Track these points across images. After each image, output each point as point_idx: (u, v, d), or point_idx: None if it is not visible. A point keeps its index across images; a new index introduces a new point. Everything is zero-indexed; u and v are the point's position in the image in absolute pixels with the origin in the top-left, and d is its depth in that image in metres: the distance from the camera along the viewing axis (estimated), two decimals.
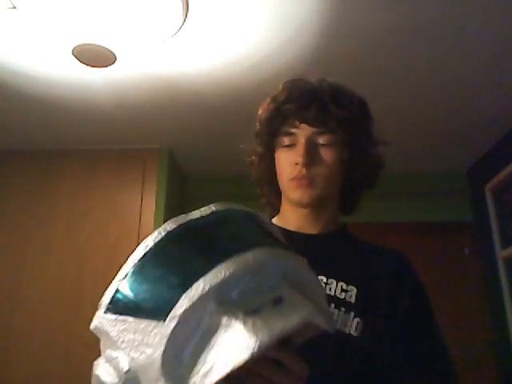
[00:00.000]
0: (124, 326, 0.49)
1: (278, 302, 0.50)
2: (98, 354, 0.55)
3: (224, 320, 0.46)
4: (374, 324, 0.87)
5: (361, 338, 0.85)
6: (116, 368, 0.49)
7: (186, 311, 0.46)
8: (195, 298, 0.46)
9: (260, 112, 1.04)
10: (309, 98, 0.96)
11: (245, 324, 0.45)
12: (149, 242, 0.53)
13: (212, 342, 0.46)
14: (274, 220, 1.06)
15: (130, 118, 2.59)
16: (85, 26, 1.71)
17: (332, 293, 0.89)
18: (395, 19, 1.82)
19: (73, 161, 2.87)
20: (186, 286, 0.47)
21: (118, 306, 0.51)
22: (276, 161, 1.02)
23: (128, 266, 0.53)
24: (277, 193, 1.05)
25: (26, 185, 2.82)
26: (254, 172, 1.08)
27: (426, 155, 3.06)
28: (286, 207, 1.04)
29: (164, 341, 0.46)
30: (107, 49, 1.81)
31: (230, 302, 0.47)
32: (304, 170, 0.93)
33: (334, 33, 1.90)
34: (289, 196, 0.98)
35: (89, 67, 1.93)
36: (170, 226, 0.54)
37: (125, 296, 0.52)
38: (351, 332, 0.85)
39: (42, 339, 2.48)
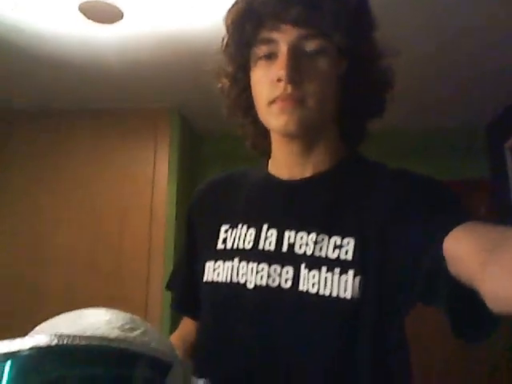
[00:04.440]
0: None
1: None
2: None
3: None
4: (380, 277, 0.70)
5: (362, 300, 0.69)
6: None
7: None
8: None
9: (226, 17, 0.80)
10: None
11: None
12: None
13: None
14: (269, 164, 0.87)
15: (139, 76, 2.54)
16: None
17: (323, 254, 0.72)
18: None
19: (84, 121, 2.85)
20: None
21: None
22: (252, 81, 0.79)
23: None
24: (260, 129, 0.83)
25: (38, 146, 2.81)
26: (226, 101, 0.86)
27: (443, 110, 2.97)
28: (274, 145, 0.84)
29: None
30: (114, 5, 1.76)
31: None
32: (289, 88, 0.72)
33: None
34: (271, 125, 0.77)
35: (96, 24, 1.89)
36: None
37: None
38: (353, 296, 0.69)
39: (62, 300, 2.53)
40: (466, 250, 0.58)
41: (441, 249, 0.61)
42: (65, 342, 0.47)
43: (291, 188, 0.81)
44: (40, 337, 0.48)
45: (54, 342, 0.47)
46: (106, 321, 0.54)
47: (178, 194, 2.74)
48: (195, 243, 0.90)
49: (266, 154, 0.88)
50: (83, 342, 0.48)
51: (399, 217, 0.71)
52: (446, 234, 0.61)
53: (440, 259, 0.61)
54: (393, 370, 0.74)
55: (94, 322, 0.54)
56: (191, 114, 3.03)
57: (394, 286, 0.71)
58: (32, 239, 2.65)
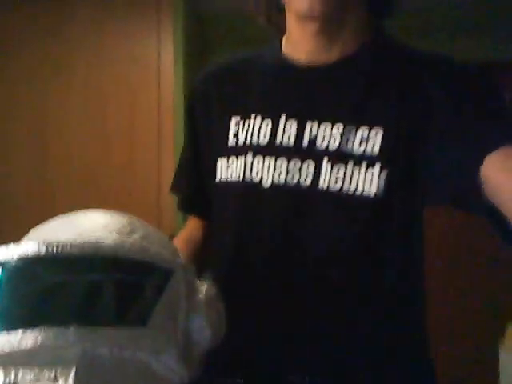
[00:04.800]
0: None
1: None
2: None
3: None
4: (408, 172, 0.67)
5: (387, 195, 0.66)
6: None
7: None
8: None
9: None
10: None
11: None
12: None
13: None
14: (283, 43, 0.79)
15: None
16: None
17: (348, 148, 0.67)
18: None
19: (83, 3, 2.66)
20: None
21: None
22: None
23: None
24: (276, 5, 0.75)
25: (40, 29, 2.65)
26: None
27: None
28: (290, 24, 0.75)
29: None
30: None
31: None
32: None
33: None
34: (293, 7, 0.70)
35: None
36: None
37: None
38: (378, 191, 0.65)
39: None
40: (502, 183, 0.57)
41: (477, 170, 0.60)
42: (54, 251, 0.44)
43: (313, 74, 0.73)
44: (28, 245, 0.45)
45: (43, 250, 0.44)
46: (103, 224, 0.51)
47: (185, 80, 2.64)
48: (198, 135, 0.84)
49: (281, 31, 0.78)
50: (75, 250, 0.44)
51: (433, 114, 0.67)
52: (484, 155, 0.60)
53: (476, 180, 0.60)
54: (415, 265, 0.73)
55: (90, 225, 0.51)
56: None
57: (420, 184, 0.68)
58: (39, 133, 2.61)
